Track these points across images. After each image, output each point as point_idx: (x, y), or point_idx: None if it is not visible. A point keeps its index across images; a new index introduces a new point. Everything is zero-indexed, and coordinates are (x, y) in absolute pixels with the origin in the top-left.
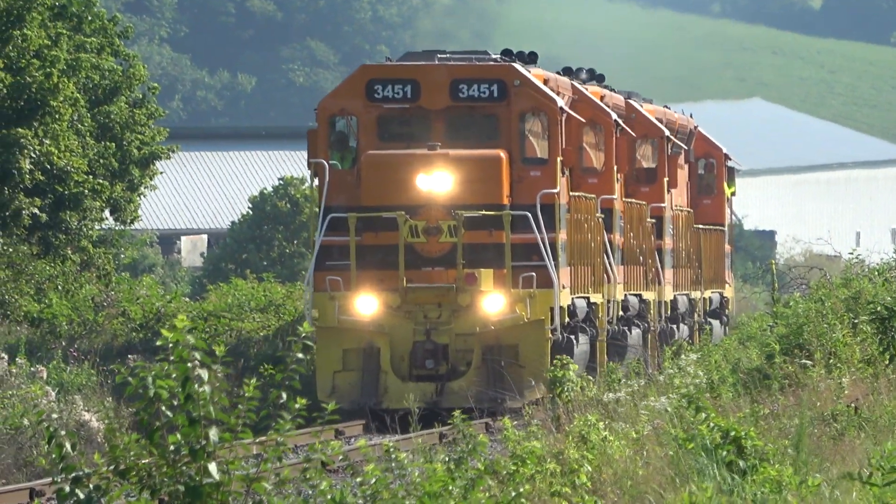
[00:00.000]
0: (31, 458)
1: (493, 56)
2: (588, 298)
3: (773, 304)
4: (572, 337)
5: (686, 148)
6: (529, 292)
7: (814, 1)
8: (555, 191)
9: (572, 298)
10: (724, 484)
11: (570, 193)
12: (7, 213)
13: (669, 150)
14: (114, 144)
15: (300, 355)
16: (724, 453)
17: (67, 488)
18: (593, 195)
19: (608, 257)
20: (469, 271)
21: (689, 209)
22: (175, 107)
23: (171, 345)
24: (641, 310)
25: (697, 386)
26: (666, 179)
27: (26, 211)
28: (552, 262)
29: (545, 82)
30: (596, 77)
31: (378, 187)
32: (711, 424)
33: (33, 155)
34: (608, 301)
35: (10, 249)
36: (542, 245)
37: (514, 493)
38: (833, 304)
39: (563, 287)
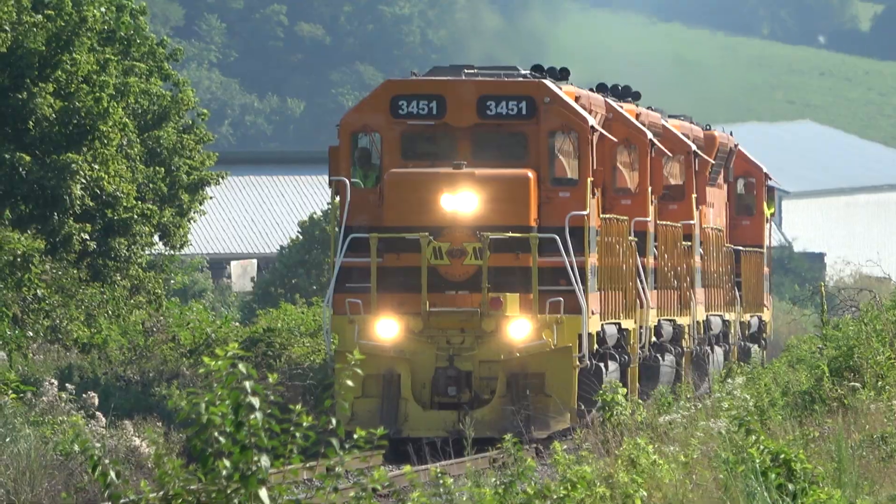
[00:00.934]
0: (81, 485)
1: (523, 72)
2: (619, 324)
3: (823, 327)
4: (601, 364)
5: (723, 167)
6: (556, 318)
7: (862, 23)
8: (584, 213)
9: (602, 324)
10: None
11: (601, 216)
12: (57, 239)
13: (697, 166)
14: (163, 169)
15: (350, 382)
16: (774, 476)
17: None
18: (625, 217)
19: (641, 282)
20: (494, 295)
21: (719, 228)
22: (224, 132)
23: (213, 371)
24: (675, 334)
25: (746, 409)
26: (694, 196)
27: (76, 237)
28: (581, 287)
29: (577, 99)
30: (632, 94)
31: (401, 207)
32: (762, 447)
33: (83, 180)
34: (640, 327)
35: (61, 273)
36: (570, 269)
37: None
38: (883, 326)
39: (593, 313)
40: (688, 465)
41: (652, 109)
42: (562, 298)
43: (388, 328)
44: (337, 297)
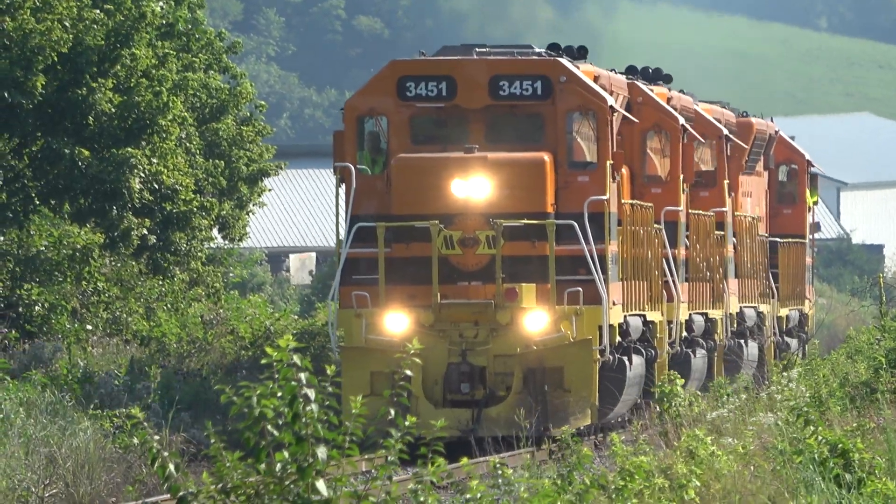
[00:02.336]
0: (140, 477)
1: (538, 50)
2: (644, 316)
3: (881, 318)
4: (624, 358)
5: (762, 153)
6: (575, 309)
7: None
8: (604, 198)
9: (625, 316)
10: (831, 497)
11: (623, 201)
12: (116, 233)
13: (729, 151)
14: (223, 162)
15: (408, 372)
16: (832, 466)
17: None
18: (650, 204)
19: (671, 274)
20: (509, 286)
21: (755, 216)
22: (283, 125)
23: (275, 363)
24: (707, 329)
25: (804, 400)
26: (726, 182)
27: (135, 231)
28: (601, 276)
29: (595, 79)
30: (663, 77)
31: (409, 194)
32: (819, 438)
33: (142, 174)
34: (670, 321)
35: (120, 267)
36: (589, 257)
37: None
38: None
39: (614, 304)
40: (745, 457)
41: (683, 93)
42: (581, 288)
43: (397, 322)
44: (343, 289)
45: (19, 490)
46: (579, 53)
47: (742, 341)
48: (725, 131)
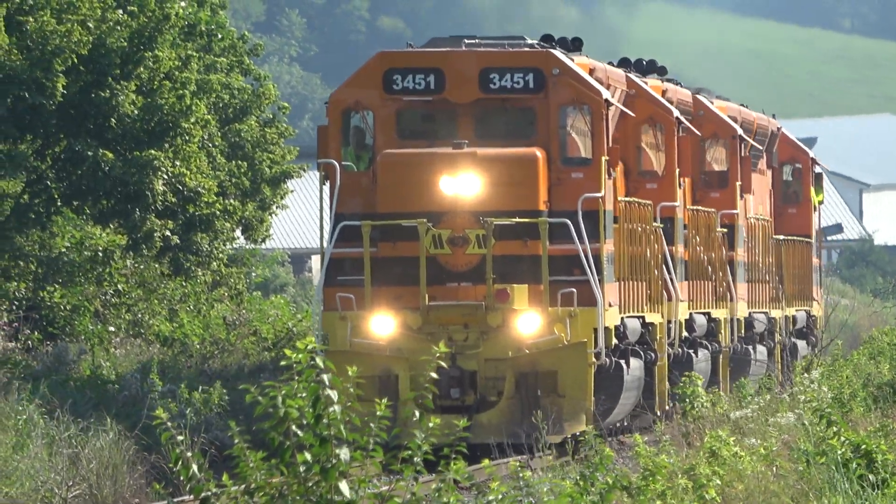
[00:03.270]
0: (172, 477)
1: (530, 42)
2: (643, 318)
3: None
4: (622, 362)
5: (764, 151)
6: (569, 311)
7: None
8: (599, 195)
9: (622, 318)
10: (855, 498)
11: (620, 198)
12: (139, 235)
13: (743, 152)
14: (245, 164)
15: (434, 375)
16: (855, 467)
17: None
18: (649, 201)
19: (669, 272)
20: (500, 287)
21: (767, 218)
22: (305, 126)
23: (295, 364)
24: (710, 330)
25: (826, 401)
26: (738, 184)
27: (158, 233)
28: (596, 277)
29: (591, 72)
30: (657, 69)
31: (396, 191)
32: (842, 438)
33: (165, 176)
34: (669, 321)
35: (143, 268)
36: (583, 257)
37: None
38: None
39: (610, 305)
40: (768, 457)
41: (699, 91)
42: (575, 289)
43: (383, 325)
44: (327, 291)
45: (42, 490)
46: (574, 45)
47: (750, 347)
48: (740, 131)
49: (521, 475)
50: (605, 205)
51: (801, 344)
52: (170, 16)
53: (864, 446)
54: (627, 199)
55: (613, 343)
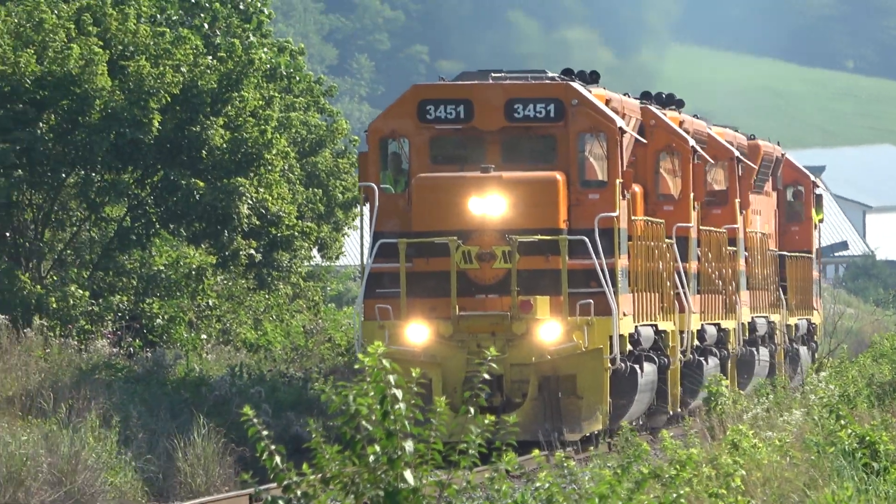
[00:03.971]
0: (254, 467)
1: (551, 74)
2: (655, 326)
3: None
4: (636, 366)
5: (770, 174)
6: (587, 320)
7: None
8: (613, 214)
9: (636, 326)
10: (860, 483)
11: (635, 217)
12: (227, 253)
13: (741, 172)
14: (320, 191)
15: (486, 376)
16: (860, 456)
17: (269, 497)
18: (662, 220)
19: (682, 286)
20: (524, 298)
21: (765, 233)
22: None
23: (367, 367)
24: (720, 338)
25: (834, 398)
26: (737, 201)
27: (244, 252)
28: (611, 289)
29: (607, 102)
30: (675, 102)
31: (429, 212)
32: (849, 431)
33: (250, 202)
34: (682, 331)
35: (231, 283)
36: (600, 271)
37: (675, 495)
38: None
39: (624, 314)
40: (783, 448)
41: (697, 118)
42: (592, 300)
43: (418, 333)
44: (367, 302)
45: (141, 480)
46: (591, 78)
47: (754, 349)
48: (737, 153)
49: (565, 465)
50: (620, 223)
51: (803, 350)
52: (254, 61)
53: (868, 438)
54: (642, 218)
55: (628, 349)
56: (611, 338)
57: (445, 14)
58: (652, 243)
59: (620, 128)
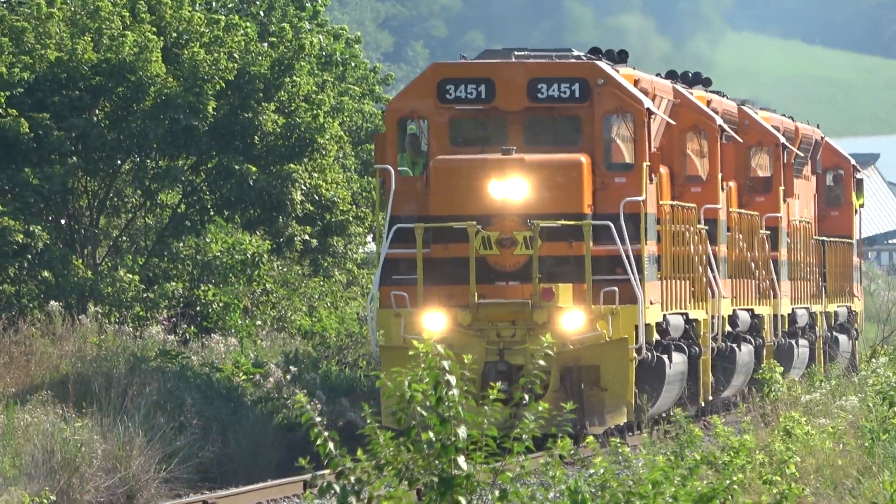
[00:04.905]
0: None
1: (576, 53)
2: (686, 315)
3: None
4: (664, 357)
5: (809, 158)
6: (612, 309)
7: None
8: (640, 198)
9: (664, 315)
10: None
11: (663, 202)
12: (282, 240)
13: (786, 159)
14: (375, 180)
15: (542, 362)
16: None
17: (325, 482)
18: (693, 204)
19: (712, 270)
20: (546, 286)
21: (809, 220)
22: None
23: (421, 354)
24: (753, 325)
25: (890, 384)
26: (782, 189)
27: (298, 237)
28: (636, 276)
29: (636, 83)
30: (702, 81)
31: (448, 195)
32: None
33: (304, 187)
34: (713, 316)
35: (285, 269)
36: (625, 257)
37: (728, 482)
38: None
39: (651, 303)
40: (836, 435)
41: (744, 103)
42: (617, 288)
43: (435, 321)
44: (383, 289)
45: (195, 461)
46: (620, 57)
47: (793, 341)
48: (783, 139)
49: (620, 451)
50: (647, 208)
51: (843, 338)
52: (304, 46)
53: None
54: (672, 202)
55: (655, 339)
56: (636, 327)
57: (501, 1)
58: (683, 228)
59: (648, 109)
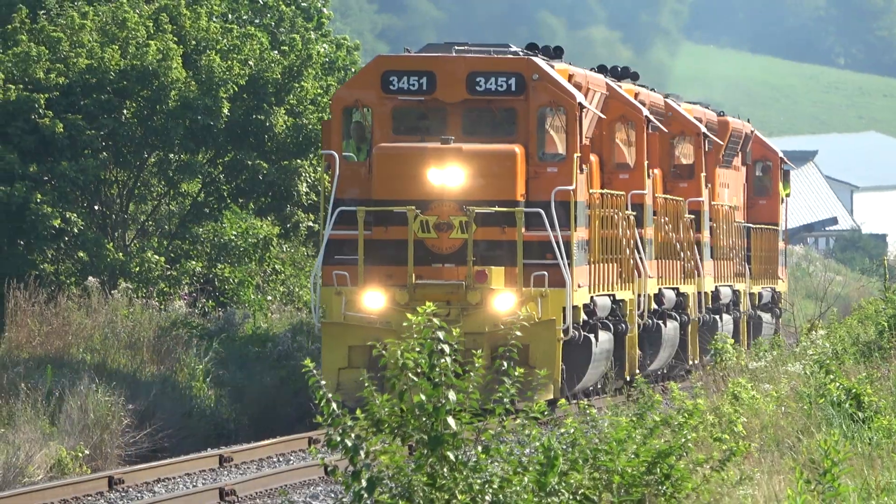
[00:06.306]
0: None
1: (514, 49)
2: (613, 296)
3: (885, 292)
4: (591, 336)
5: (739, 150)
6: (541, 291)
7: None
8: (570, 188)
9: (591, 297)
10: (847, 431)
11: (593, 190)
12: (289, 225)
13: (707, 147)
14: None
15: (518, 333)
16: (847, 406)
17: (337, 437)
18: (621, 191)
19: (638, 251)
20: (479, 269)
21: (732, 204)
22: None
23: (414, 325)
24: (679, 303)
25: (826, 354)
26: (703, 175)
27: (303, 223)
28: (565, 261)
29: (570, 77)
30: (630, 75)
31: (389, 181)
32: (838, 384)
33: (309, 180)
34: (639, 296)
35: (293, 251)
36: (554, 243)
37: (683, 440)
38: None
39: (579, 286)
40: (778, 399)
41: (668, 96)
42: (546, 272)
43: (374, 300)
44: (326, 269)
45: (216, 420)
46: (555, 53)
47: (717, 316)
48: (703, 129)
49: (588, 413)
50: (577, 196)
51: (767, 316)
52: (312, 55)
53: (854, 391)
54: (601, 191)
55: (583, 319)
56: (564, 309)
57: (482, 13)
58: (612, 214)
59: (580, 103)
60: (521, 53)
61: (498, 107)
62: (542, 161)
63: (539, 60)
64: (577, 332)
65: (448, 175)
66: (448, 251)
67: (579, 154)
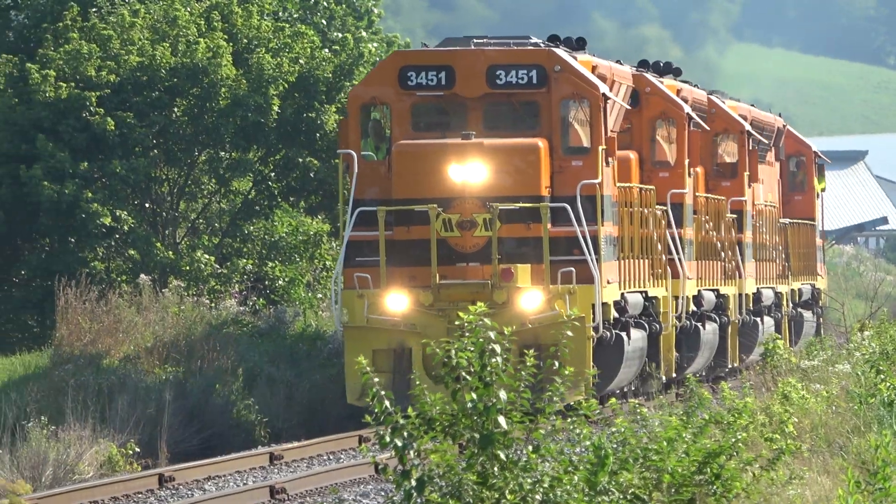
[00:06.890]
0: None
1: (534, 41)
2: (645, 293)
3: None
4: (623, 334)
5: (772, 145)
6: (569, 288)
7: None
8: (596, 181)
9: (622, 293)
10: None
11: (623, 184)
12: (339, 223)
13: (751, 145)
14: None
15: (569, 332)
16: None
17: (388, 436)
18: (652, 187)
19: (677, 251)
20: (505, 267)
21: (774, 204)
22: None
23: (466, 324)
24: (719, 304)
25: (876, 354)
26: (746, 174)
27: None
28: (593, 257)
29: (593, 69)
30: (673, 70)
31: (409, 179)
32: (888, 384)
33: None
34: (677, 297)
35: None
36: (581, 238)
37: (733, 439)
38: None
39: (608, 282)
40: (829, 399)
41: (712, 93)
42: (574, 268)
43: (397, 302)
44: (346, 271)
45: (268, 417)
46: (578, 45)
47: (758, 318)
48: (748, 127)
49: (638, 412)
50: (603, 190)
51: (807, 314)
52: (363, 53)
53: None
54: (630, 184)
55: (614, 316)
56: (593, 306)
57: (533, 11)
58: (643, 209)
59: (604, 94)
60: (541, 45)
61: (519, 100)
62: (566, 155)
63: (561, 51)
64: (607, 331)
65: (470, 171)
66: (472, 250)
67: (604, 147)
